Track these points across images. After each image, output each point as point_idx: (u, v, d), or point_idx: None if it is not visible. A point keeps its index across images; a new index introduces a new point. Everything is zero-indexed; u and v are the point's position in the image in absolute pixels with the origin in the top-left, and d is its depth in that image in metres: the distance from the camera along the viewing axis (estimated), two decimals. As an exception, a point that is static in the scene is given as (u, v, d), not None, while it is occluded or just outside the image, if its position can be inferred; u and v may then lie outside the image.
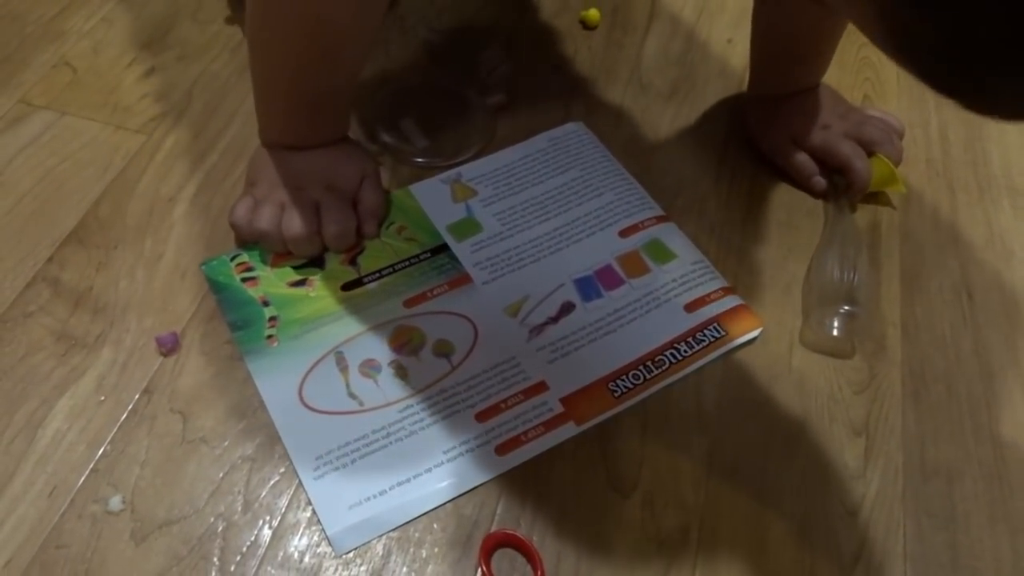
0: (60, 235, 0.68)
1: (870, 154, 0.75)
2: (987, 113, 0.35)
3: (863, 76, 0.89)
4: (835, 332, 0.65)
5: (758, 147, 0.79)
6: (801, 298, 0.69)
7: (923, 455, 0.61)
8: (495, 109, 0.80)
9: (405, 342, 0.64)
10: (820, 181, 0.76)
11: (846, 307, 0.65)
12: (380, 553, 0.54)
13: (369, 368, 0.62)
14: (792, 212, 0.75)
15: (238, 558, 0.53)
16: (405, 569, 0.53)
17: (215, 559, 0.53)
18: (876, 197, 0.77)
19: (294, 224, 0.65)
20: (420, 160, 0.76)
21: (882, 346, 0.67)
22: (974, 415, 0.64)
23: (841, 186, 0.75)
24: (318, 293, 0.66)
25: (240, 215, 0.66)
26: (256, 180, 0.68)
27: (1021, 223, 0.77)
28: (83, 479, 0.55)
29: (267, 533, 0.54)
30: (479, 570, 0.53)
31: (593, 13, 0.90)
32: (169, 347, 0.61)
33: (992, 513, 0.59)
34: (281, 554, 0.53)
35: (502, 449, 0.59)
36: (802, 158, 0.76)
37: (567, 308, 0.67)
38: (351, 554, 0.54)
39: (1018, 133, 0.85)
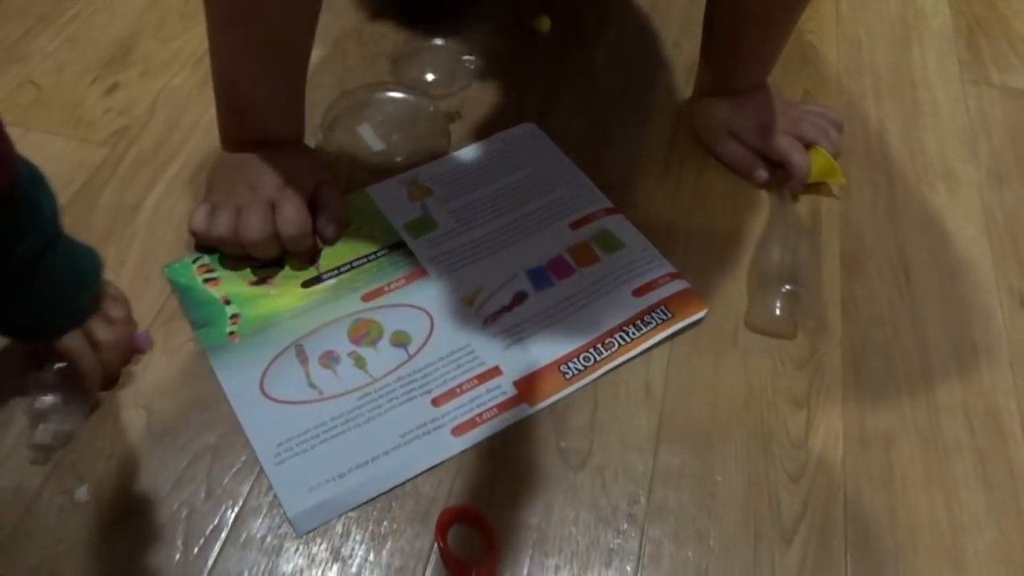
0: (26, 244, 0.70)
1: (809, 147, 0.78)
2: None
3: (804, 73, 0.93)
4: (778, 312, 0.68)
5: (703, 143, 0.82)
6: (746, 282, 0.72)
7: (862, 424, 0.64)
8: (450, 113, 0.83)
9: (364, 334, 0.66)
10: (762, 174, 0.79)
11: (787, 287, 0.68)
12: (339, 532, 0.56)
13: (329, 359, 0.64)
14: (737, 201, 0.79)
15: (201, 541, 0.55)
16: (364, 546, 0.55)
17: (179, 543, 0.54)
18: (818, 188, 0.80)
19: (251, 228, 0.67)
20: (377, 163, 0.79)
21: (823, 324, 0.70)
22: (911, 385, 0.67)
23: (782, 178, 0.78)
24: (278, 291, 0.68)
25: (198, 223, 0.68)
26: (213, 186, 0.70)
27: (956, 205, 0.80)
28: (49, 471, 0.57)
29: (229, 517, 0.56)
30: (435, 544, 0.55)
31: (543, 21, 0.94)
32: (143, 345, 0.63)
33: (929, 476, 0.61)
34: (244, 536, 0.55)
35: (458, 431, 0.61)
36: (744, 154, 0.79)
37: (520, 297, 0.69)
38: (311, 534, 0.56)
39: (952, 120, 0.89)
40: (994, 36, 0.99)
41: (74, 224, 0.71)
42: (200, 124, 0.80)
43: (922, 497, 0.60)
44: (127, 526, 0.55)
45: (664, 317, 0.68)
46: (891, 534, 0.58)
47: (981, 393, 0.66)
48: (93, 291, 0.59)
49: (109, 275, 0.68)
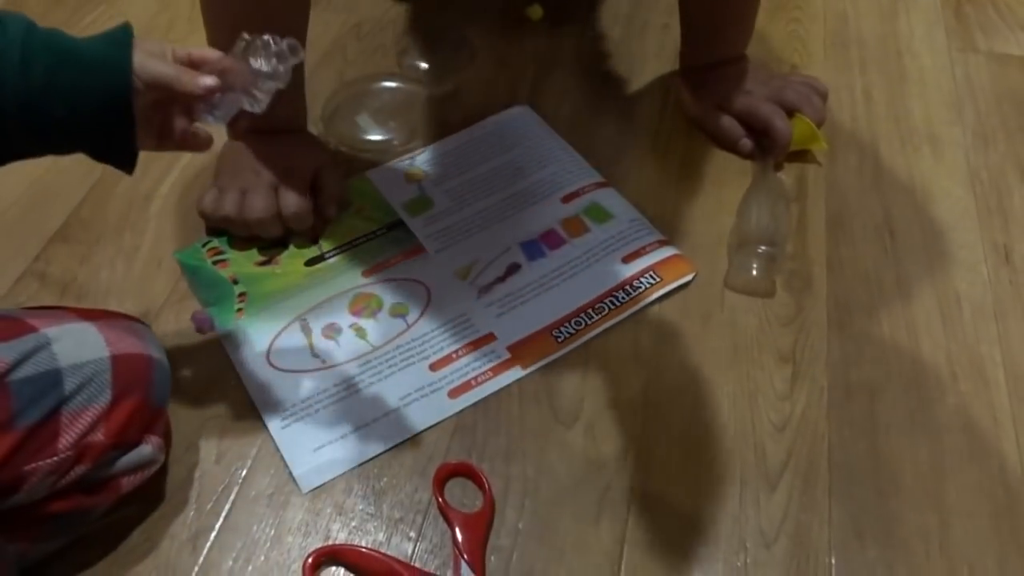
0: (46, 235, 0.74)
1: (791, 115, 0.80)
2: None
3: (792, 47, 0.95)
4: (754, 272, 0.70)
5: (689, 115, 0.85)
6: (727, 246, 0.74)
7: (847, 376, 0.66)
8: (444, 98, 0.87)
9: (364, 307, 0.69)
10: (747, 143, 0.81)
11: (763, 248, 0.70)
12: (342, 488, 0.59)
13: (331, 331, 0.68)
14: (723, 172, 0.81)
15: (214, 498, 0.58)
16: (365, 500, 0.58)
17: (193, 501, 0.58)
18: (802, 155, 0.82)
19: (255, 206, 0.71)
20: (376, 149, 0.82)
21: (808, 283, 0.72)
22: (895, 338, 0.68)
23: (766, 146, 0.81)
24: (283, 269, 0.72)
25: (206, 204, 0.72)
26: (221, 171, 0.74)
27: (941, 167, 0.82)
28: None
29: (239, 476, 0.59)
30: (433, 498, 0.58)
31: (536, 9, 0.97)
32: (204, 325, 0.66)
33: (911, 422, 0.63)
34: (253, 493, 0.58)
35: (454, 393, 0.64)
36: (728, 122, 0.81)
37: (513, 268, 0.72)
38: (316, 491, 0.59)
39: (938, 87, 0.90)
40: (981, 3, 1.01)
41: (92, 213, 0.76)
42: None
43: (905, 443, 0.62)
44: (146, 486, 0.58)
45: (653, 281, 0.71)
46: (873, 478, 0.60)
47: (965, 343, 0.68)
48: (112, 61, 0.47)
49: (125, 261, 0.72)
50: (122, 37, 0.48)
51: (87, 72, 0.46)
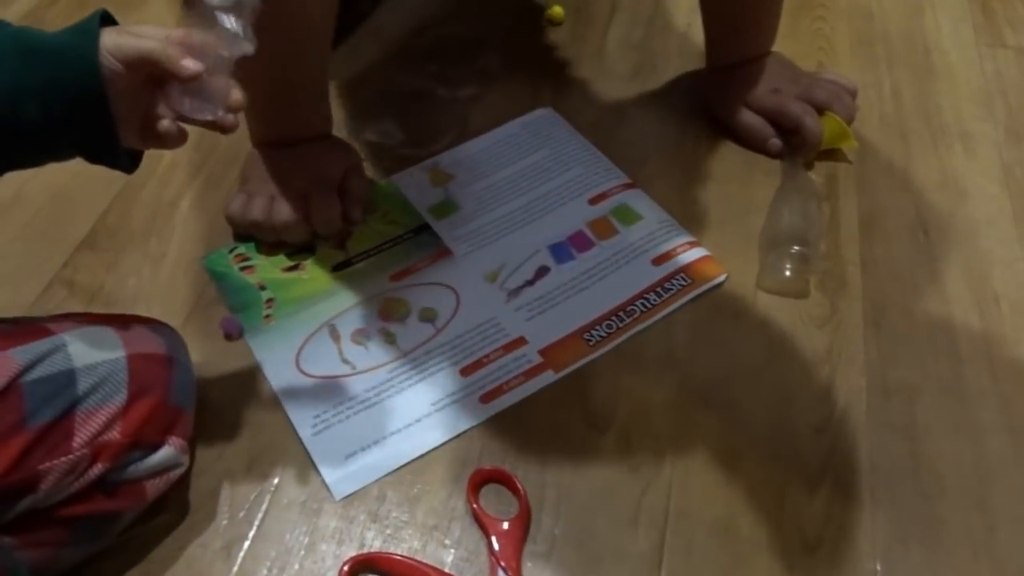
0: (73, 242, 0.74)
1: (821, 113, 0.79)
2: None
3: (817, 45, 0.94)
4: (787, 273, 0.69)
5: (716, 115, 0.84)
6: (758, 246, 0.73)
7: (885, 377, 0.65)
8: (467, 101, 0.86)
9: (392, 312, 0.69)
10: (776, 143, 0.80)
11: (796, 248, 0.69)
12: (375, 495, 0.58)
13: (360, 336, 0.67)
14: (752, 172, 0.80)
15: (246, 506, 0.57)
16: (399, 508, 0.58)
17: (225, 509, 0.57)
18: (832, 154, 0.81)
19: (283, 212, 0.70)
20: (400, 153, 0.81)
21: (843, 283, 0.71)
22: (932, 339, 0.67)
23: (796, 145, 0.79)
24: (310, 275, 0.71)
25: (234, 209, 0.72)
26: (248, 177, 0.73)
27: (974, 164, 0.81)
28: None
29: (271, 485, 0.59)
30: (467, 504, 0.57)
31: (557, 10, 0.96)
32: (232, 331, 0.66)
33: (952, 424, 0.62)
34: (285, 500, 0.58)
35: (486, 398, 0.63)
36: (757, 121, 0.80)
37: (542, 271, 0.71)
38: (349, 498, 0.58)
39: (967, 84, 0.89)
40: (1008, -1, 0.99)
41: (117, 220, 0.76)
42: (231, 125, 0.84)
43: (946, 444, 0.61)
44: (177, 495, 0.58)
45: (684, 283, 0.70)
46: (916, 480, 0.59)
47: (1004, 342, 0.67)
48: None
49: (152, 267, 0.72)
50: (88, 25, 0.46)
51: (55, 66, 0.44)
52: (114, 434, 0.49)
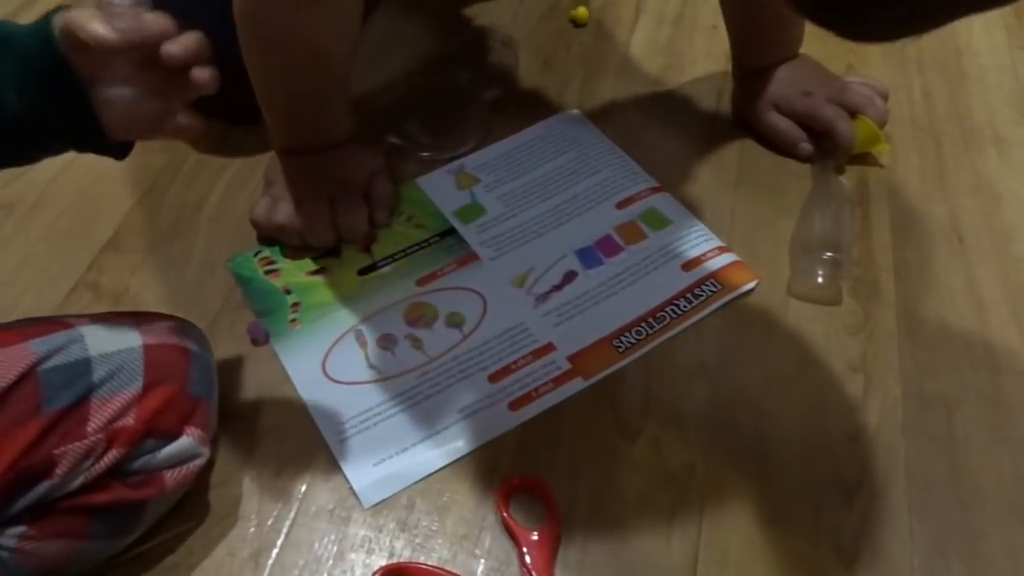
0: (98, 244, 0.73)
1: (853, 117, 0.78)
2: (858, 38, 0.39)
3: (846, 47, 0.92)
4: (820, 279, 0.68)
5: (745, 119, 0.83)
6: (789, 252, 0.72)
7: (921, 386, 0.63)
8: (492, 103, 0.85)
9: (419, 317, 0.68)
10: (807, 147, 0.79)
11: (829, 254, 0.68)
12: (404, 503, 0.57)
13: (387, 342, 0.66)
14: (781, 175, 0.79)
15: (275, 514, 0.57)
16: (429, 516, 0.57)
17: (253, 516, 0.57)
18: (863, 158, 0.80)
19: (309, 216, 0.70)
20: (425, 155, 0.81)
21: (876, 290, 0.70)
22: (969, 347, 0.66)
23: (827, 149, 0.78)
24: (336, 279, 0.71)
25: (260, 212, 0.71)
26: (273, 181, 0.73)
27: (1008, 168, 0.79)
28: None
29: (299, 492, 0.58)
30: (497, 513, 0.57)
31: (582, 11, 0.95)
32: (259, 336, 0.66)
33: (992, 435, 0.61)
34: (313, 508, 0.57)
35: (515, 405, 0.62)
36: (788, 125, 0.79)
37: (570, 276, 0.70)
38: (378, 506, 0.57)
39: (1000, 87, 0.87)
40: (1041, 0, 0.98)
41: (142, 222, 0.76)
42: (256, 127, 0.83)
43: (986, 456, 0.60)
44: (203, 501, 0.57)
45: (714, 289, 0.69)
46: (955, 493, 0.58)
47: (1043, 352, 0.65)
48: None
49: (177, 270, 0.71)
50: (48, 13, 0.46)
51: (21, 52, 0.45)
52: (129, 420, 0.50)
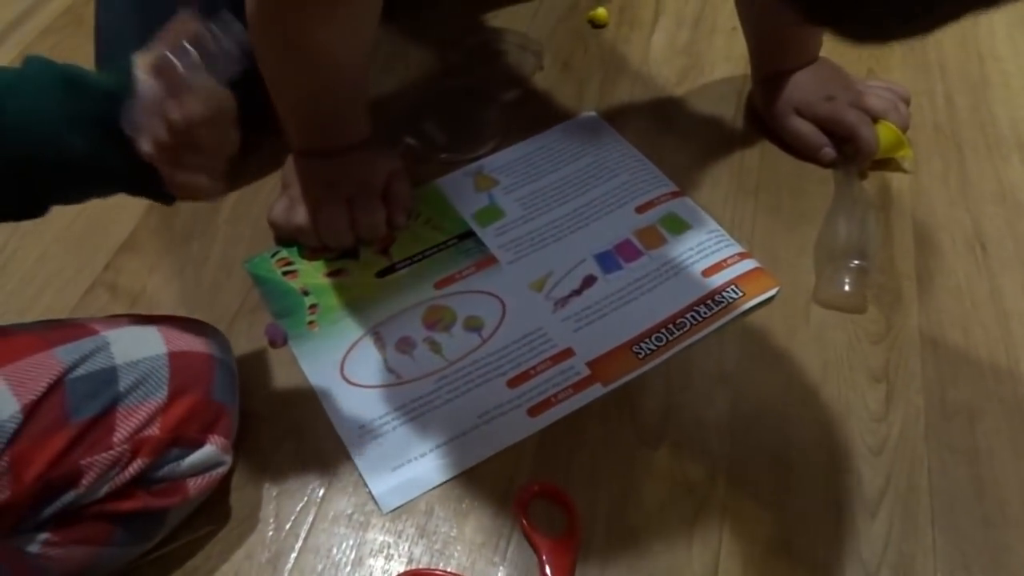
0: (114, 245, 0.73)
1: (876, 122, 0.77)
2: (856, 39, 0.37)
3: (867, 51, 0.92)
4: (847, 287, 0.67)
5: (766, 122, 0.82)
6: (813, 260, 0.71)
7: (944, 396, 0.63)
8: (511, 105, 0.85)
9: (437, 320, 0.67)
10: (829, 152, 0.78)
11: (855, 262, 0.67)
12: (423, 509, 0.57)
13: (405, 345, 0.66)
14: (802, 181, 0.78)
15: (292, 518, 0.57)
16: (448, 523, 0.56)
17: (271, 520, 0.56)
18: (886, 163, 0.79)
19: (327, 217, 0.70)
20: (443, 157, 0.80)
21: (898, 298, 0.69)
22: (993, 357, 0.65)
23: (849, 154, 0.78)
24: (354, 281, 0.70)
25: (278, 213, 0.71)
26: (291, 182, 0.72)
27: (1032, 176, 0.79)
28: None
29: (317, 496, 0.58)
30: (517, 520, 0.56)
31: (601, 12, 0.95)
32: (277, 338, 0.66)
33: (1016, 447, 0.60)
34: (332, 513, 0.57)
35: (534, 411, 0.62)
36: (809, 129, 0.79)
37: (589, 281, 0.70)
38: (397, 511, 0.57)
39: (1024, 93, 0.87)
40: (1065, 5, 0.97)
41: (159, 222, 0.75)
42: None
43: (1010, 468, 0.59)
44: (221, 504, 0.57)
45: (735, 296, 0.68)
46: (979, 506, 0.57)
47: (1068, 363, 0.65)
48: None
49: (194, 271, 0.71)
50: (126, 67, 0.47)
51: (98, 98, 0.47)
52: (154, 430, 0.50)
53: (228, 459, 0.54)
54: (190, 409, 0.51)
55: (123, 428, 0.49)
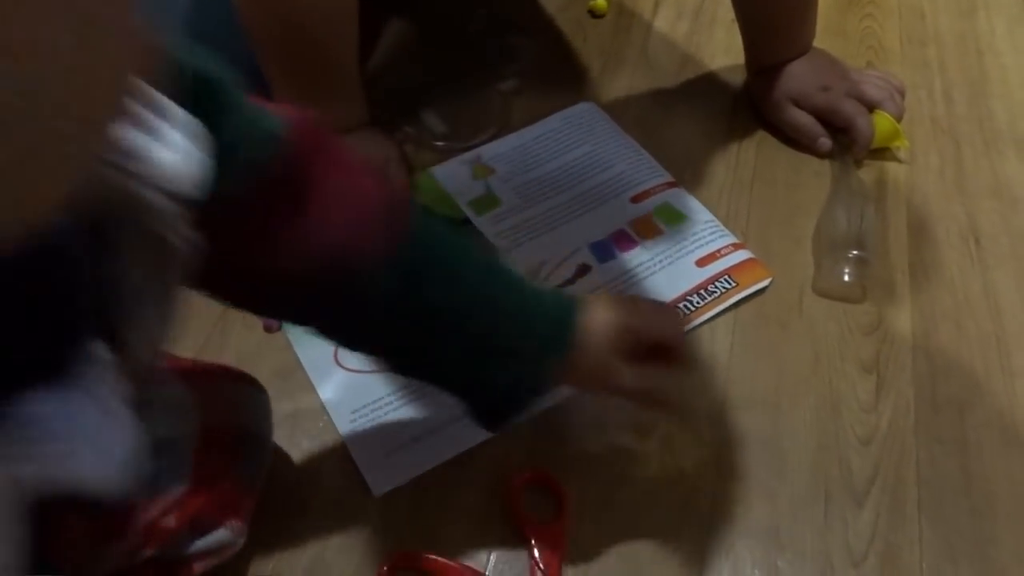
0: (112, 227, 0.73)
1: (872, 111, 0.78)
2: None
3: (866, 44, 0.92)
4: (846, 277, 0.67)
5: (763, 114, 0.82)
6: (812, 249, 0.71)
7: (934, 389, 0.63)
8: (509, 94, 0.85)
9: (432, 307, 0.68)
10: (826, 142, 0.78)
11: (855, 252, 0.68)
12: (415, 493, 0.58)
13: (399, 331, 0.66)
14: (799, 172, 0.78)
15: (284, 500, 0.57)
16: (439, 507, 0.57)
17: (262, 505, 0.57)
18: (881, 154, 0.79)
19: (324, 202, 0.70)
20: (441, 145, 0.81)
21: (891, 291, 0.69)
22: (984, 351, 0.66)
23: (846, 144, 0.78)
24: (349, 267, 0.70)
25: (274, 198, 0.71)
26: (288, 167, 0.72)
27: (1027, 171, 0.79)
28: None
29: (309, 480, 0.58)
30: (507, 506, 0.57)
31: (601, 2, 0.95)
32: (274, 323, 0.66)
33: (1004, 439, 0.60)
34: (323, 496, 0.57)
35: (526, 398, 0.62)
36: (807, 120, 0.79)
37: (583, 270, 0.70)
38: (388, 495, 0.57)
39: (1022, 88, 0.87)
40: (1065, 0, 0.97)
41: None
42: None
43: (999, 461, 0.59)
44: (214, 487, 0.57)
45: (728, 286, 0.68)
46: (966, 497, 0.58)
47: (1059, 357, 0.65)
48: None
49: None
50: (574, 306, 0.48)
51: (541, 345, 0.47)
52: (170, 521, 0.45)
53: (241, 541, 0.50)
54: (208, 499, 0.47)
55: (138, 518, 0.44)
